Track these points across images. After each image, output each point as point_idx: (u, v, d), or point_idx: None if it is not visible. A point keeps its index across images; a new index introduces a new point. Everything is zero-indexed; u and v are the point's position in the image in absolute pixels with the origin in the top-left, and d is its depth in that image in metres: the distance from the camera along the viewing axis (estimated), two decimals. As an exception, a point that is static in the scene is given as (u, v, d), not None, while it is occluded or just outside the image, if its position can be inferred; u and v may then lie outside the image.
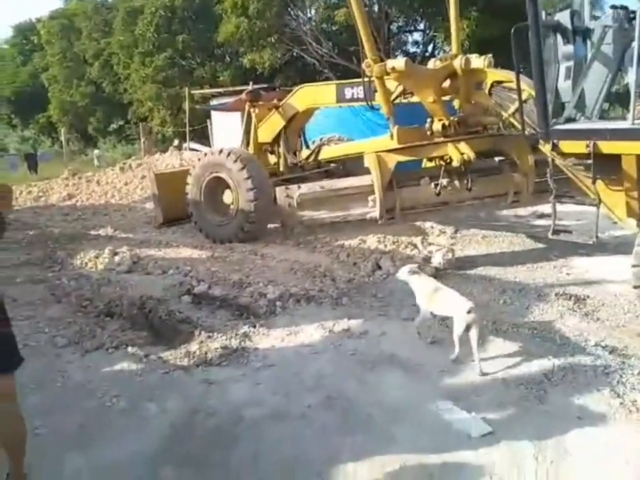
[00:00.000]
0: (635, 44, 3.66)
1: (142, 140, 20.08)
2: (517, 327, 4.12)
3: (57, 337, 4.20)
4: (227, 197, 6.72)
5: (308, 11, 18.84)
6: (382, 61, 5.71)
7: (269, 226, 7.04)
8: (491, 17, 13.89)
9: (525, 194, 5.72)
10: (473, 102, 5.80)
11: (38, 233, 7.51)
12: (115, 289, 5.12)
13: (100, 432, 3.06)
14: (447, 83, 5.76)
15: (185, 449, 2.90)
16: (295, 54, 18.39)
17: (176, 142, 18.65)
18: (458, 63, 5.56)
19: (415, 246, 6.29)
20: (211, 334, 4.21)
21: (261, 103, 7.66)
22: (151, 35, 19.48)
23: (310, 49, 17.47)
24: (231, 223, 6.69)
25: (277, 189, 6.21)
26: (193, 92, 18.55)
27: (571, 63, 4.26)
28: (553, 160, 4.42)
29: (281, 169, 7.38)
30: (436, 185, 5.61)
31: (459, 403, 3.17)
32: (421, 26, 19.11)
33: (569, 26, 4.23)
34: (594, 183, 4.18)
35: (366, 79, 5.83)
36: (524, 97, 4.71)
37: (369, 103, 6.05)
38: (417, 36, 20.02)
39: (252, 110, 7.52)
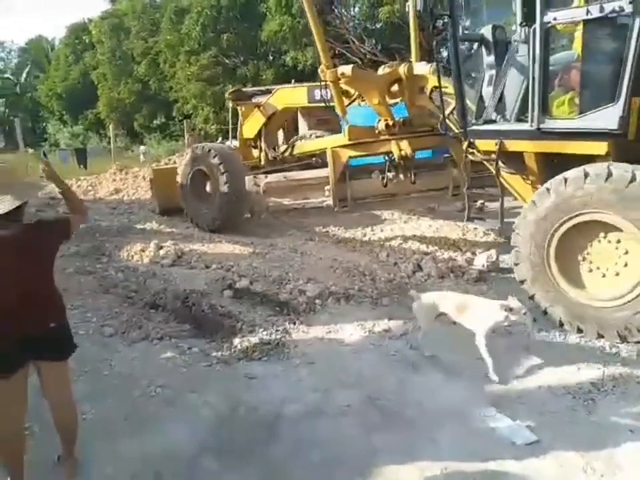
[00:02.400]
0: (536, 58, 4.12)
1: (186, 137, 20.49)
2: (564, 333, 3.99)
3: (104, 327, 4.35)
4: (208, 187, 7.39)
5: (352, 8, 18.77)
6: (335, 67, 6.34)
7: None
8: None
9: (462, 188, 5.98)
10: (418, 105, 6.33)
11: (87, 225, 7.76)
12: (159, 282, 5.25)
13: (145, 420, 3.15)
14: (395, 88, 6.35)
15: (227, 441, 2.95)
16: (337, 52, 18.34)
17: (219, 139, 18.94)
18: (402, 70, 6.14)
19: (458, 247, 6.18)
20: (251, 329, 4.27)
21: (244, 102, 8.37)
22: (196, 33, 19.83)
23: (353, 47, 17.39)
24: (211, 210, 7.32)
25: (247, 178, 7.10)
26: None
27: (493, 72, 4.72)
28: (466, 156, 5.02)
29: (262, 162, 8.03)
30: (383, 178, 6.27)
31: (503, 410, 3.09)
32: (467, 23, 18.69)
33: (491, 39, 4.72)
34: (497, 175, 4.75)
35: (323, 83, 6.46)
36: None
37: (327, 104, 6.63)
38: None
39: (239, 108, 8.26)
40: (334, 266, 5.72)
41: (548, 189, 4.05)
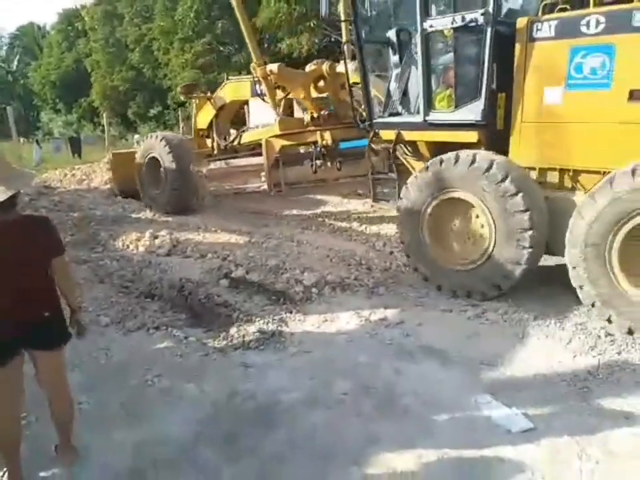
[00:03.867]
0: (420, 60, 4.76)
1: (181, 125, 20.33)
2: (560, 321, 4.01)
3: (100, 316, 4.33)
4: (160, 173, 7.89)
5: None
6: (265, 64, 7.11)
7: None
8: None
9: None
10: (341, 99, 6.88)
11: (82, 214, 7.71)
12: (155, 271, 5.23)
13: (141, 409, 3.15)
14: (321, 83, 7.17)
15: (223, 430, 2.95)
16: (332, 39, 18.18)
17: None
18: (325, 67, 6.92)
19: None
20: (248, 318, 4.26)
21: (195, 95, 8.99)
22: (190, 20, 19.62)
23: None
24: (163, 194, 7.87)
25: (191, 165, 7.67)
26: (230, 78, 18.63)
27: (398, 70, 5.29)
28: (371, 145, 5.76)
29: (215, 151, 8.65)
30: (312, 165, 7.11)
31: (499, 397, 3.11)
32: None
33: (395, 41, 5.26)
34: (393, 161, 5.52)
35: (256, 79, 7.26)
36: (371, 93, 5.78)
37: (263, 97, 7.48)
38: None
39: (193, 101, 8.95)
40: (330, 255, 5.72)
41: (427, 167, 4.71)
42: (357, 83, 5.92)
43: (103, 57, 26.53)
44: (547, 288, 4.64)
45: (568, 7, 4.32)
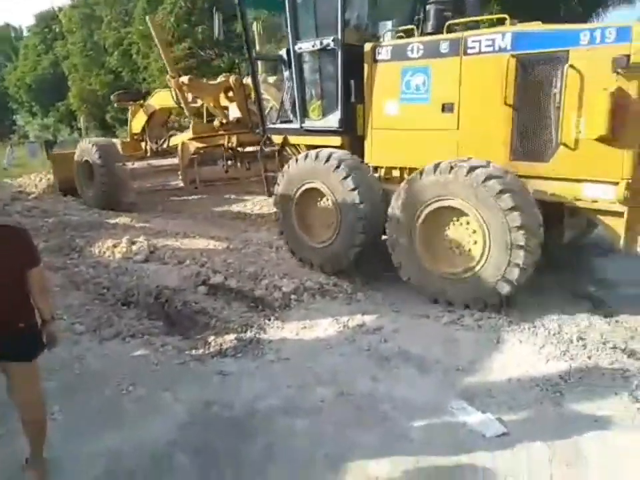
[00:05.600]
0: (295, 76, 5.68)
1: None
2: (534, 327, 4.08)
3: (75, 324, 4.26)
4: (93, 175, 8.98)
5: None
6: (179, 76, 8.12)
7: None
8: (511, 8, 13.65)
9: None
10: (248, 108, 7.44)
11: (56, 220, 7.58)
12: (131, 278, 5.16)
13: (116, 418, 3.11)
14: (231, 93, 8.08)
15: (199, 438, 2.93)
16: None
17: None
18: (232, 80, 7.87)
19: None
20: (226, 325, 4.24)
21: (127, 102, 9.83)
22: (170, 24, 19.50)
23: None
24: (95, 192, 8.95)
25: (116, 164, 8.55)
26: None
27: (289, 84, 5.99)
28: (262, 148, 6.67)
29: (148, 153, 9.54)
30: (224, 165, 8.09)
31: (474, 403, 3.15)
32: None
33: (286, 58, 5.91)
34: (279, 161, 6.34)
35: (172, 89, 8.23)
36: (270, 104, 6.84)
37: (180, 106, 8.54)
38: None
39: (129, 108, 9.75)
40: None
41: (296, 160, 5.52)
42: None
43: (81, 60, 26.18)
44: (521, 295, 4.72)
45: (403, 34, 5.35)
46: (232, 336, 4.06)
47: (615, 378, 3.37)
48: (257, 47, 7.75)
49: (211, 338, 4.05)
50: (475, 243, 4.38)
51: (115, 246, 6.11)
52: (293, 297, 4.79)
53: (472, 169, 4.25)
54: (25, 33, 35.11)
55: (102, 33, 25.06)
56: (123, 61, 23.92)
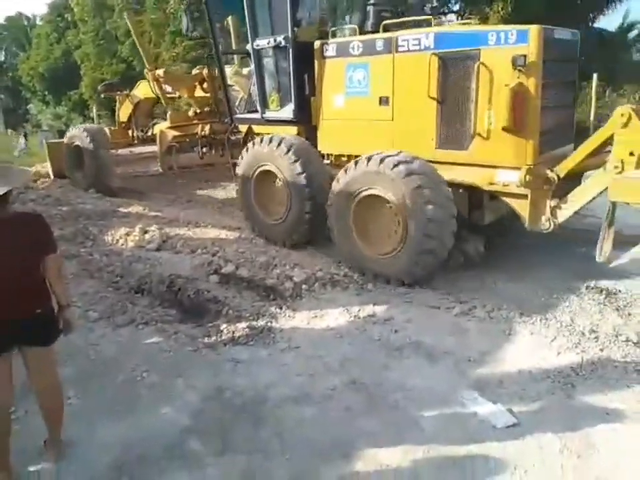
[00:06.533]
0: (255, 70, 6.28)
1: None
2: (545, 319, 4.07)
3: (89, 311, 4.32)
4: (81, 158, 9.16)
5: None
6: (156, 69, 8.74)
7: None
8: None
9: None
10: (219, 98, 7.81)
11: (70, 209, 7.65)
12: (144, 266, 5.21)
13: (130, 404, 3.16)
14: (205, 85, 8.63)
15: (211, 425, 2.97)
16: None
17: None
18: (204, 72, 8.45)
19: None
20: (238, 314, 4.28)
21: (113, 93, 10.39)
22: (181, 14, 19.45)
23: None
24: (85, 176, 9.16)
25: (102, 150, 8.82)
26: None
27: (254, 77, 6.42)
28: (228, 137, 7.47)
29: (135, 141, 10.04)
30: (199, 152, 8.64)
31: (485, 394, 3.16)
32: (456, 7, 18.61)
33: (252, 53, 6.26)
34: (244, 147, 6.48)
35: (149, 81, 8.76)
36: (240, 95, 7.24)
37: (158, 96, 9.01)
38: (452, 17, 19.54)
39: (117, 98, 10.20)
40: (320, 251, 5.74)
41: (253, 144, 6.07)
42: (230, 85, 7.15)
43: (93, 49, 26.19)
44: (531, 286, 4.71)
45: (347, 32, 5.76)
46: (244, 324, 4.09)
47: (627, 371, 3.36)
48: (233, 41, 8.26)
49: (223, 326, 4.08)
50: (399, 223, 4.73)
51: (127, 234, 6.17)
52: (304, 286, 4.81)
53: (382, 159, 4.74)
54: (38, 22, 35.20)
55: (113, 22, 25.06)
56: (134, 50, 23.88)
